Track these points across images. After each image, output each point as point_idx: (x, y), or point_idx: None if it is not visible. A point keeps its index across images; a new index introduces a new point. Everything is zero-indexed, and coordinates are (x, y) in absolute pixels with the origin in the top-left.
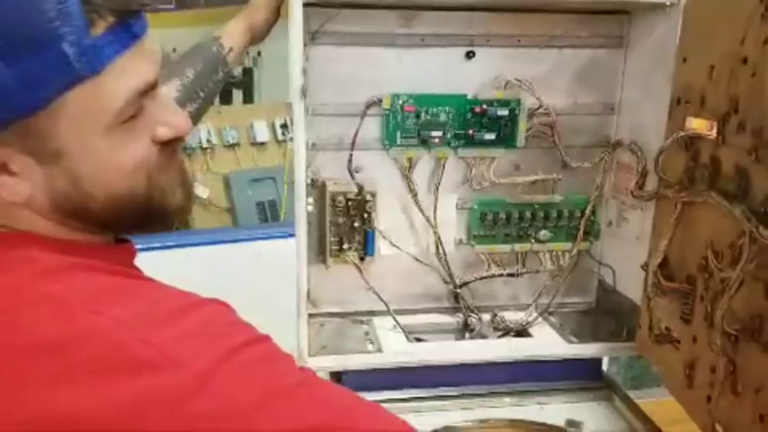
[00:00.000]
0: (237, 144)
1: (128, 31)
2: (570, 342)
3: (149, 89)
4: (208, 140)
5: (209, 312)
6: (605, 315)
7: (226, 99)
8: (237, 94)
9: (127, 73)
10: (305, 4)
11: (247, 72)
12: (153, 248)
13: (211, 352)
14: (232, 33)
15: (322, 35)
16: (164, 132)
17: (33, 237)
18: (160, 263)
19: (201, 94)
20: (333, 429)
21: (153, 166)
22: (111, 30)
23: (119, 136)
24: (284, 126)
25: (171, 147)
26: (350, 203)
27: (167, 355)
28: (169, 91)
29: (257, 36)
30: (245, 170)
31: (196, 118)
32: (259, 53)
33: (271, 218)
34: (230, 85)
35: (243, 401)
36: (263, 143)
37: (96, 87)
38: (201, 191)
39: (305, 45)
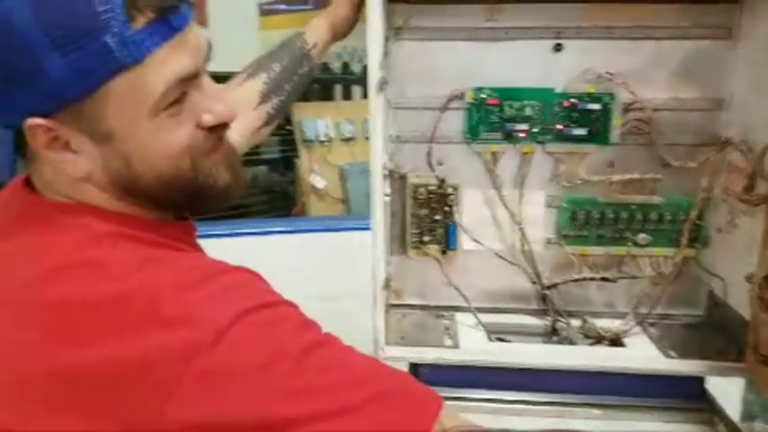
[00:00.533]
0: (353, 138)
1: (167, 25)
2: (669, 356)
3: (190, 78)
4: (326, 134)
5: (236, 278)
6: (714, 330)
7: (347, 95)
8: (357, 90)
9: (167, 63)
10: (388, 1)
11: (366, 69)
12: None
13: (229, 311)
14: (315, 29)
15: (405, 30)
16: (207, 119)
17: (91, 208)
18: (271, 247)
19: (287, 88)
20: (344, 392)
21: (198, 149)
22: (151, 24)
23: (163, 121)
24: None
25: (216, 132)
26: (431, 196)
27: (188, 313)
28: (253, 86)
29: (340, 32)
30: (359, 163)
31: (282, 109)
32: None
33: None
34: (350, 81)
35: (251, 360)
36: None
37: (138, 76)
38: (318, 182)
39: (388, 40)
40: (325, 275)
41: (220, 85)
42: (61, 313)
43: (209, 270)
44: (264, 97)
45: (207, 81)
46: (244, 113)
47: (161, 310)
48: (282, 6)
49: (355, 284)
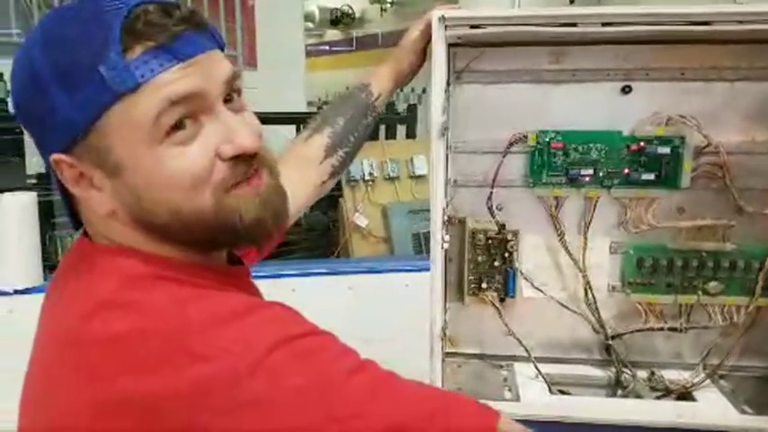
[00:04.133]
0: (397, 177)
1: (168, 52)
2: (744, 412)
3: (186, 101)
4: (370, 173)
5: (272, 312)
6: None
7: (391, 134)
8: (401, 130)
9: (162, 87)
10: (450, 45)
11: (411, 108)
12: (310, 274)
13: (266, 340)
14: (380, 79)
15: (467, 74)
16: (226, 149)
17: (130, 250)
18: (307, 288)
19: (352, 139)
20: (394, 414)
21: (221, 183)
22: (149, 52)
23: (167, 149)
24: None
25: (243, 164)
26: (490, 242)
27: (221, 347)
28: (318, 141)
29: (404, 80)
30: (403, 202)
31: (347, 161)
32: (424, 90)
33: (425, 249)
34: (395, 121)
35: (290, 387)
36: (421, 176)
37: (133, 103)
38: (361, 221)
39: (449, 84)
40: (369, 317)
41: (247, 116)
42: (95, 350)
43: (246, 306)
44: (329, 151)
45: (225, 111)
46: (310, 169)
47: (195, 347)
48: (327, 48)
49: (400, 327)
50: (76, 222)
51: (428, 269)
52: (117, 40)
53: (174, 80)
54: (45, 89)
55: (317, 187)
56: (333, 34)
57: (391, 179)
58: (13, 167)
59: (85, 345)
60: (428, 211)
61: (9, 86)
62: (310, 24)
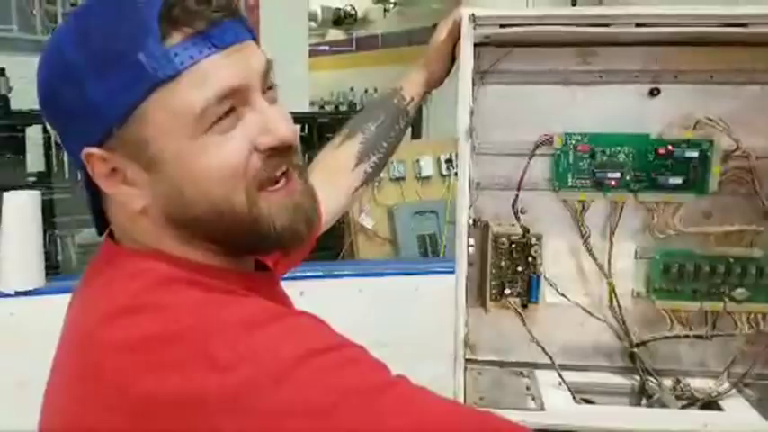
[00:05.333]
0: (403, 178)
1: (207, 39)
2: None
3: (236, 94)
4: None
5: (300, 321)
6: None
7: None
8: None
9: (207, 78)
10: (476, 44)
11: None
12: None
13: (293, 352)
14: (413, 84)
15: (492, 74)
16: (265, 140)
17: (157, 253)
18: (316, 291)
19: (384, 145)
20: None
21: (254, 178)
22: (188, 39)
23: (209, 140)
24: (449, 161)
25: (277, 159)
26: (513, 246)
27: (243, 355)
28: (350, 148)
29: (435, 84)
30: (409, 203)
31: (380, 167)
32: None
33: (431, 251)
34: None
35: (317, 401)
36: (427, 177)
37: (174, 92)
38: (367, 222)
39: (474, 85)
40: (380, 321)
41: (280, 108)
42: (117, 353)
43: (273, 313)
44: (361, 157)
45: (263, 102)
46: (342, 175)
47: (213, 353)
48: (328, 48)
49: (412, 331)
50: (101, 225)
51: (438, 272)
52: (156, 26)
53: (217, 71)
54: (79, 79)
55: (349, 194)
56: (334, 34)
57: (397, 180)
58: (13, 165)
59: (108, 348)
60: (434, 212)
61: (38, 80)
62: (313, 24)
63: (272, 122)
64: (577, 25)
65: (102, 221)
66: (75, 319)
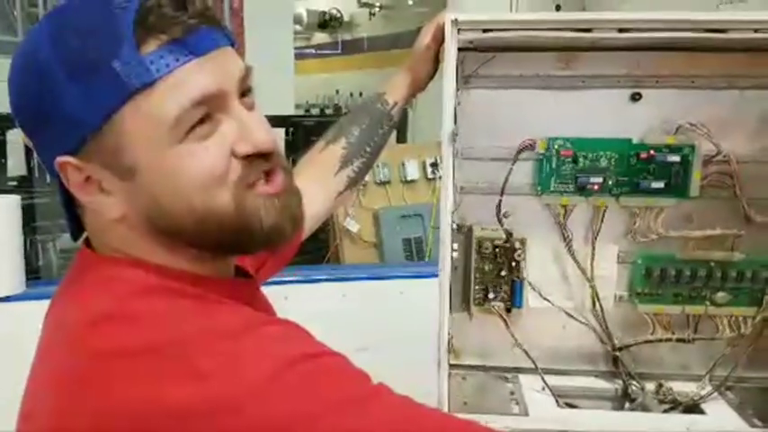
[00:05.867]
0: (389, 181)
1: (183, 47)
2: (753, 425)
3: (212, 100)
4: None
5: (279, 329)
6: None
7: None
8: (392, 134)
9: (181, 85)
10: (459, 49)
11: (402, 113)
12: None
13: (270, 364)
14: (396, 87)
15: (476, 78)
16: (242, 147)
17: (135, 261)
18: (300, 296)
19: (368, 149)
20: None
21: (235, 181)
22: (164, 46)
23: (186, 147)
24: (434, 165)
25: (260, 163)
26: (497, 250)
27: (225, 364)
28: (333, 151)
29: (420, 87)
30: (394, 207)
31: (364, 171)
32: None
33: (416, 255)
34: None
35: (298, 411)
36: (412, 181)
37: (150, 99)
38: (352, 225)
39: (458, 89)
40: (365, 325)
41: (257, 114)
42: (95, 362)
43: (251, 321)
44: (345, 162)
45: (241, 108)
46: (325, 179)
47: (196, 363)
48: (314, 51)
49: (396, 336)
50: (77, 232)
51: (423, 276)
52: (130, 33)
53: (192, 77)
54: (54, 85)
55: (332, 198)
56: (320, 37)
57: (382, 184)
58: None
59: (86, 356)
60: (419, 216)
61: (11, 82)
62: (298, 27)
63: (249, 129)
64: (560, 30)
65: (77, 227)
66: (53, 328)
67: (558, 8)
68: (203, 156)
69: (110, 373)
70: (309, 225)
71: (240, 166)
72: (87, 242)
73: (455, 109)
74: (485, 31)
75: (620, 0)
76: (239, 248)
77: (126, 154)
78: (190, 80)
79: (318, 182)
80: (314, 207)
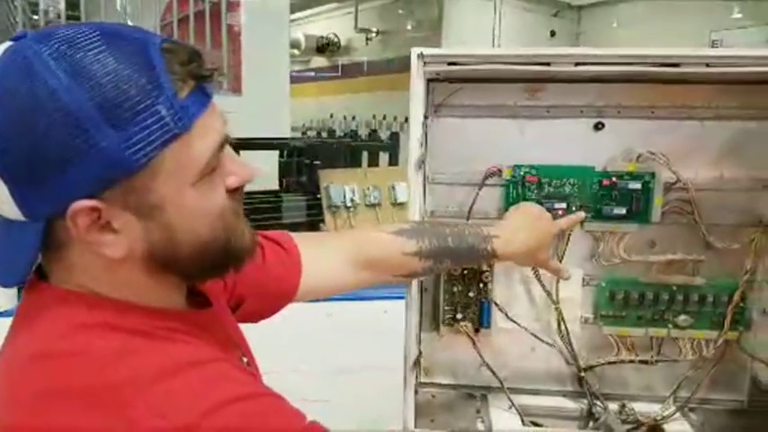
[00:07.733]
0: (379, 204)
1: (204, 92)
2: None
3: (224, 144)
4: (351, 200)
5: (213, 369)
6: (759, 416)
7: (373, 161)
8: (384, 157)
9: (209, 130)
10: (429, 80)
11: (394, 136)
12: None
13: (199, 405)
14: (508, 244)
15: (445, 108)
16: (233, 181)
17: (90, 297)
18: (284, 316)
19: (447, 261)
20: None
21: (228, 211)
22: (193, 92)
23: (204, 187)
24: None
25: (238, 193)
26: (465, 272)
27: (154, 408)
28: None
29: (527, 264)
30: None
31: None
32: (406, 119)
33: None
34: (378, 148)
35: None
36: (402, 203)
37: (187, 144)
38: None
39: (427, 117)
40: (348, 346)
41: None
42: (37, 403)
43: (186, 360)
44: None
45: (228, 147)
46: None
47: (129, 410)
48: (312, 74)
49: (380, 357)
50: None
51: (400, 297)
52: (168, 78)
53: (213, 122)
54: (87, 129)
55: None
56: (318, 61)
57: (373, 206)
58: None
59: (20, 393)
60: None
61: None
62: (296, 51)
63: (236, 164)
64: (520, 64)
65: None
66: (8, 356)
67: (552, 34)
68: (216, 193)
69: (44, 409)
70: (311, 286)
71: (228, 198)
72: (39, 272)
73: (423, 136)
74: (449, 63)
75: (614, 26)
76: (224, 270)
77: (153, 194)
78: (213, 125)
79: (348, 260)
80: (325, 273)
